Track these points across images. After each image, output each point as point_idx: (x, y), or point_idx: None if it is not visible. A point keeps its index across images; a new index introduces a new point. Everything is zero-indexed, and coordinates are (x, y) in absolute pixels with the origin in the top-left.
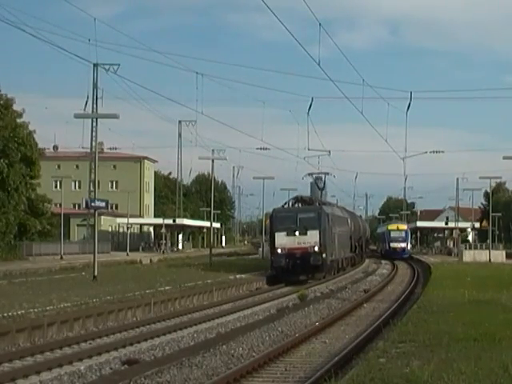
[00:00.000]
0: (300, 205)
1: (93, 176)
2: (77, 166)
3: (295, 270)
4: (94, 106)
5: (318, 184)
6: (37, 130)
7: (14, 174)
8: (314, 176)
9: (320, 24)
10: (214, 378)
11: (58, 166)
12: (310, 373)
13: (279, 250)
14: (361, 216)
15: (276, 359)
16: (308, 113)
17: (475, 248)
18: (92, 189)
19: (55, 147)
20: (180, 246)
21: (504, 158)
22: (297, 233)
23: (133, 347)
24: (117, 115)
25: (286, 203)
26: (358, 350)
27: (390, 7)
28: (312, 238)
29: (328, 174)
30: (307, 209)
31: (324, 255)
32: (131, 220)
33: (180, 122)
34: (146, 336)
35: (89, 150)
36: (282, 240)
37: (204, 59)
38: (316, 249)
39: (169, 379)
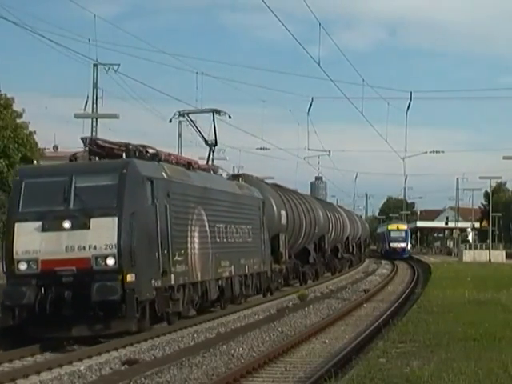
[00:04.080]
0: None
1: None
2: None
3: (60, 313)
4: (94, 105)
5: (203, 136)
6: (37, 130)
7: (14, 174)
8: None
9: (320, 24)
10: (214, 378)
11: None
12: (310, 373)
13: (22, 266)
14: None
15: (276, 359)
16: (308, 113)
17: (475, 248)
18: None
19: (55, 147)
20: None
21: (504, 157)
22: (66, 224)
23: (133, 347)
24: (117, 115)
25: (72, 160)
26: (358, 350)
27: (389, 8)
28: (102, 235)
29: (220, 112)
30: (96, 167)
31: (130, 277)
32: None
33: (180, 122)
34: (146, 336)
35: None
36: (32, 242)
37: (204, 59)
38: (109, 262)
39: (169, 379)
